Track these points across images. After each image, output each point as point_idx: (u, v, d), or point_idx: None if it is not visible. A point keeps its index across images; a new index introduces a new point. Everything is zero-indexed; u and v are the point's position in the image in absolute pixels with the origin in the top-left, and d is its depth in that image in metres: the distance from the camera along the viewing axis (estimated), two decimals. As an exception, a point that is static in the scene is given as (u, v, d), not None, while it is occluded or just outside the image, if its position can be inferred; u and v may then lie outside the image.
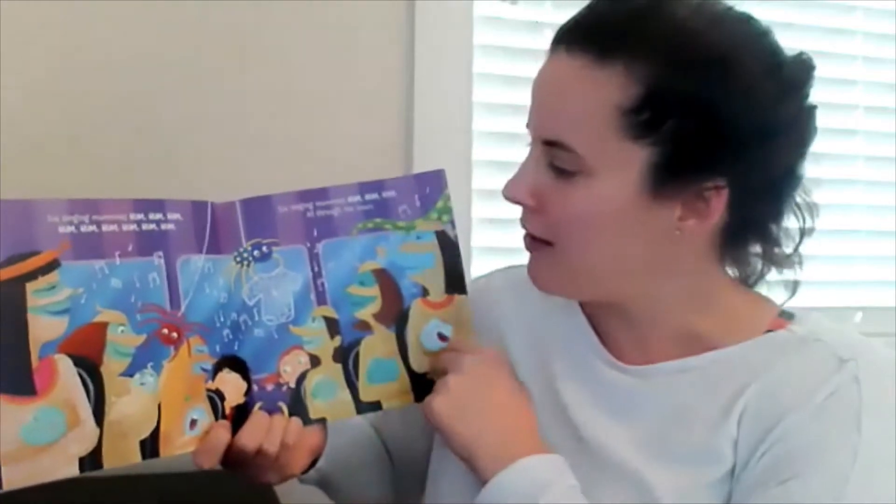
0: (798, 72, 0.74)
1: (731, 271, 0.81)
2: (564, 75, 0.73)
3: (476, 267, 1.31)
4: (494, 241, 1.36)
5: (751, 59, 0.70)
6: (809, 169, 0.82)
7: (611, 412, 0.79)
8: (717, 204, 0.71)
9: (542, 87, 0.76)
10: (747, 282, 0.82)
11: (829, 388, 0.70)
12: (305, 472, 0.84)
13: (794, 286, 0.81)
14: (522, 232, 0.80)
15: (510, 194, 0.78)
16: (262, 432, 0.76)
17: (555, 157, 0.74)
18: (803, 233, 0.79)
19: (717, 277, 0.79)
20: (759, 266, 0.81)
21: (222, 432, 0.76)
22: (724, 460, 0.72)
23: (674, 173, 0.70)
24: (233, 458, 0.77)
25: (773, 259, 0.80)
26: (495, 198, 1.38)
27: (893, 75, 1.58)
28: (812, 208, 0.79)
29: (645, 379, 0.78)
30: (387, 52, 1.31)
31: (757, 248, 0.79)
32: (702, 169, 0.71)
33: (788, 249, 0.79)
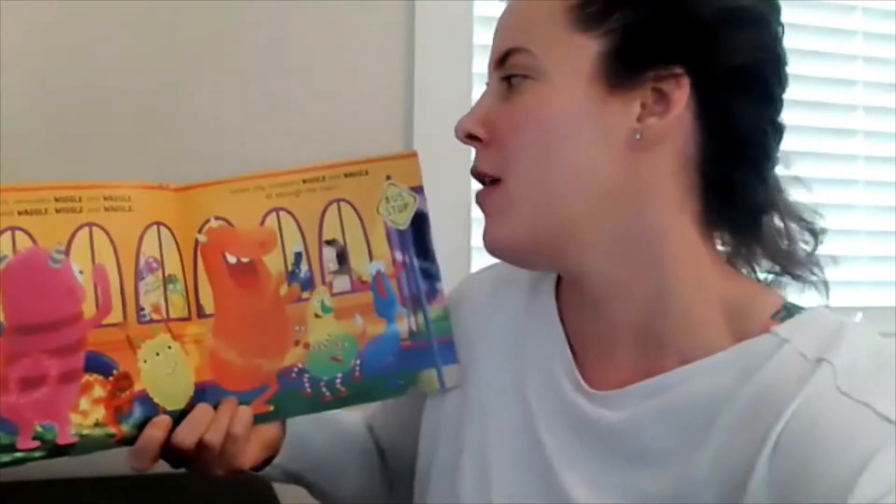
0: None
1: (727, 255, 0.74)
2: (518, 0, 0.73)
3: (476, 267, 1.30)
4: (494, 242, 1.36)
5: None
6: (808, 169, 0.80)
7: (584, 454, 0.71)
8: (678, 96, 0.67)
9: (501, 18, 0.75)
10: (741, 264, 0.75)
11: (868, 443, 0.58)
12: (260, 468, 0.81)
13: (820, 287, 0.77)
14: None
15: (460, 128, 0.75)
16: (202, 426, 0.73)
17: (509, 68, 0.71)
18: (815, 229, 0.74)
19: (695, 246, 0.70)
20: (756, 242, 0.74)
21: (153, 432, 0.72)
22: None
23: (626, 63, 0.67)
24: (173, 454, 0.73)
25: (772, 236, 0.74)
26: (495, 198, 1.39)
27: (893, 75, 1.58)
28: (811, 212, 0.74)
29: (613, 410, 0.70)
30: (387, 52, 1.31)
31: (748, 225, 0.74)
32: (655, 55, 0.67)
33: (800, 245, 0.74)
